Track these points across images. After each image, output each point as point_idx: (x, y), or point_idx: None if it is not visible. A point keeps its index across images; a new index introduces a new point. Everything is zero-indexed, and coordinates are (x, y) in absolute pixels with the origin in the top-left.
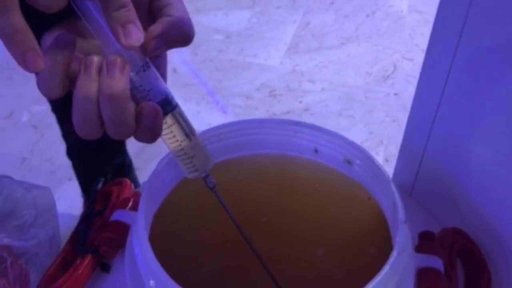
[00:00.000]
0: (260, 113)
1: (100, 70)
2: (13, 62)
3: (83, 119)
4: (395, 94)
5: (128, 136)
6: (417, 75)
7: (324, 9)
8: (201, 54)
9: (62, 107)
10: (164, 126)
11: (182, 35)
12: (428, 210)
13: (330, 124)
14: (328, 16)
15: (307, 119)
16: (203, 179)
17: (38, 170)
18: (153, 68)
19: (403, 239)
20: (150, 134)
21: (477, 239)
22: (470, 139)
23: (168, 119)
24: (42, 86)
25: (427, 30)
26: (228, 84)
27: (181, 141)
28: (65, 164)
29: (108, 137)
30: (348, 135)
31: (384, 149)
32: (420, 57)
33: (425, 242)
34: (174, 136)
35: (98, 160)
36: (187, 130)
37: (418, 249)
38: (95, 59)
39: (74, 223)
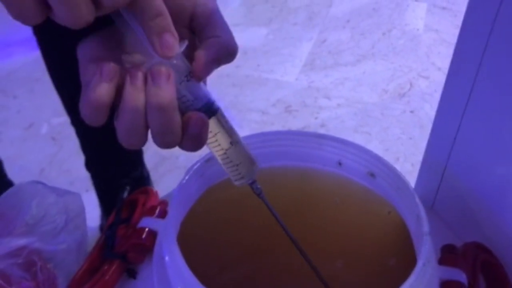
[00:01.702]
0: (276, 129)
1: (145, 81)
2: (35, 75)
3: (130, 130)
4: (411, 112)
5: (174, 145)
6: (433, 93)
7: (340, 26)
8: (217, 69)
9: (82, 121)
10: (209, 135)
11: (229, 55)
12: (448, 225)
13: None
14: (344, 34)
15: None
16: (250, 186)
17: (56, 181)
18: (201, 83)
19: (428, 250)
20: (195, 143)
21: (498, 253)
22: (492, 155)
23: (213, 128)
24: (87, 117)
25: (443, 49)
26: (244, 100)
27: (226, 149)
28: (83, 175)
29: (127, 150)
30: None
31: (400, 166)
32: (436, 75)
33: (447, 255)
34: (219, 144)
35: (116, 173)
36: (232, 138)
37: (441, 262)
38: (141, 69)
39: (91, 233)
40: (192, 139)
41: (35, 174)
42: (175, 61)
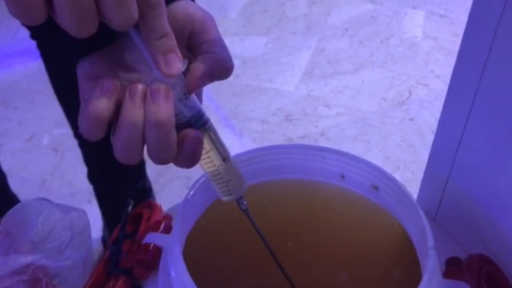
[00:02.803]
0: (276, 137)
1: (144, 97)
2: (36, 86)
3: (127, 146)
4: (411, 119)
5: (169, 162)
6: (432, 100)
7: (339, 35)
8: None
9: None
10: (202, 152)
11: (225, 71)
12: (451, 236)
13: (345, 149)
14: (343, 42)
15: (323, 143)
16: (236, 202)
17: (58, 192)
18: (193, 95)
19: (433, 265)
20: (190, 160)
21: (502, 265)
22: (495, 165)
23: (206, 145)
24: (85, 131)
25: (441, 56)
26: (244, 109)
27: (218, 166)
28: (85, 187)
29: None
30: None
31: (401, 174)
32: (435, 83)
33: (452, 268)
34: (212, 161)
35: (119, 185)
36: (224, 155)
37: (446, 274)
38: (140, 86)
39: (94, 245)
40: (187, 156)
41: (37, 185)
42: (173, 80)
